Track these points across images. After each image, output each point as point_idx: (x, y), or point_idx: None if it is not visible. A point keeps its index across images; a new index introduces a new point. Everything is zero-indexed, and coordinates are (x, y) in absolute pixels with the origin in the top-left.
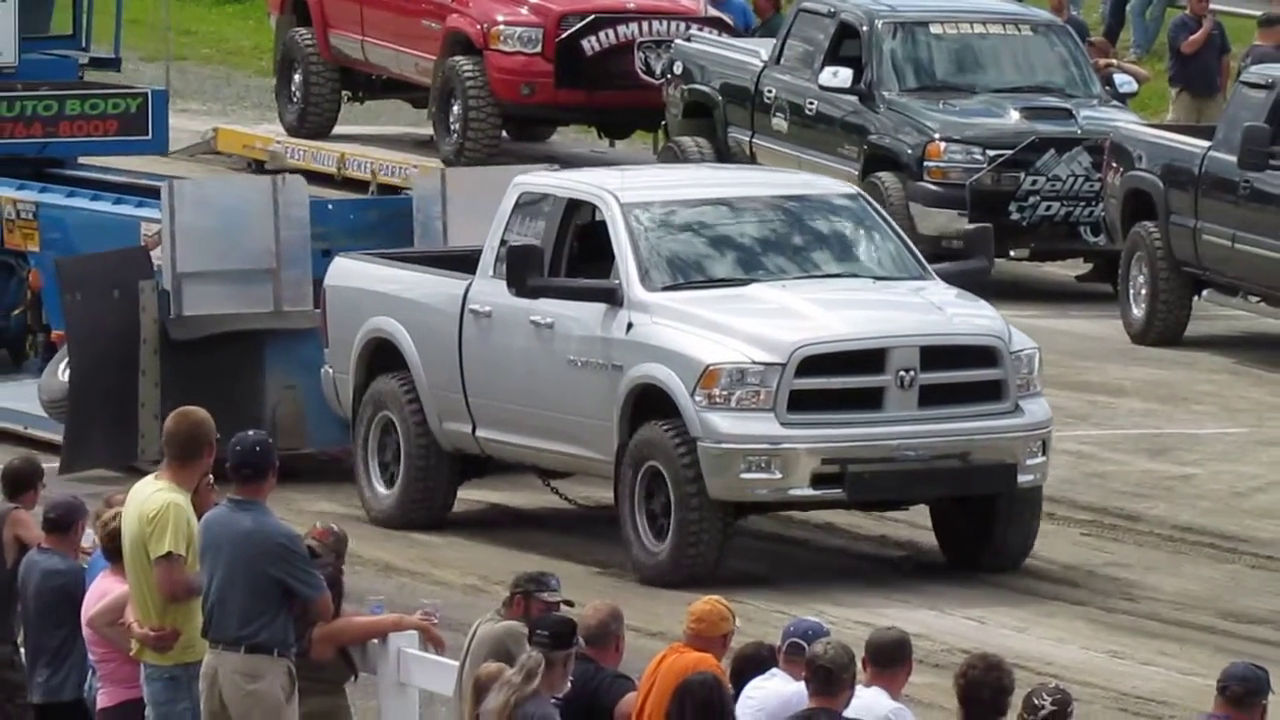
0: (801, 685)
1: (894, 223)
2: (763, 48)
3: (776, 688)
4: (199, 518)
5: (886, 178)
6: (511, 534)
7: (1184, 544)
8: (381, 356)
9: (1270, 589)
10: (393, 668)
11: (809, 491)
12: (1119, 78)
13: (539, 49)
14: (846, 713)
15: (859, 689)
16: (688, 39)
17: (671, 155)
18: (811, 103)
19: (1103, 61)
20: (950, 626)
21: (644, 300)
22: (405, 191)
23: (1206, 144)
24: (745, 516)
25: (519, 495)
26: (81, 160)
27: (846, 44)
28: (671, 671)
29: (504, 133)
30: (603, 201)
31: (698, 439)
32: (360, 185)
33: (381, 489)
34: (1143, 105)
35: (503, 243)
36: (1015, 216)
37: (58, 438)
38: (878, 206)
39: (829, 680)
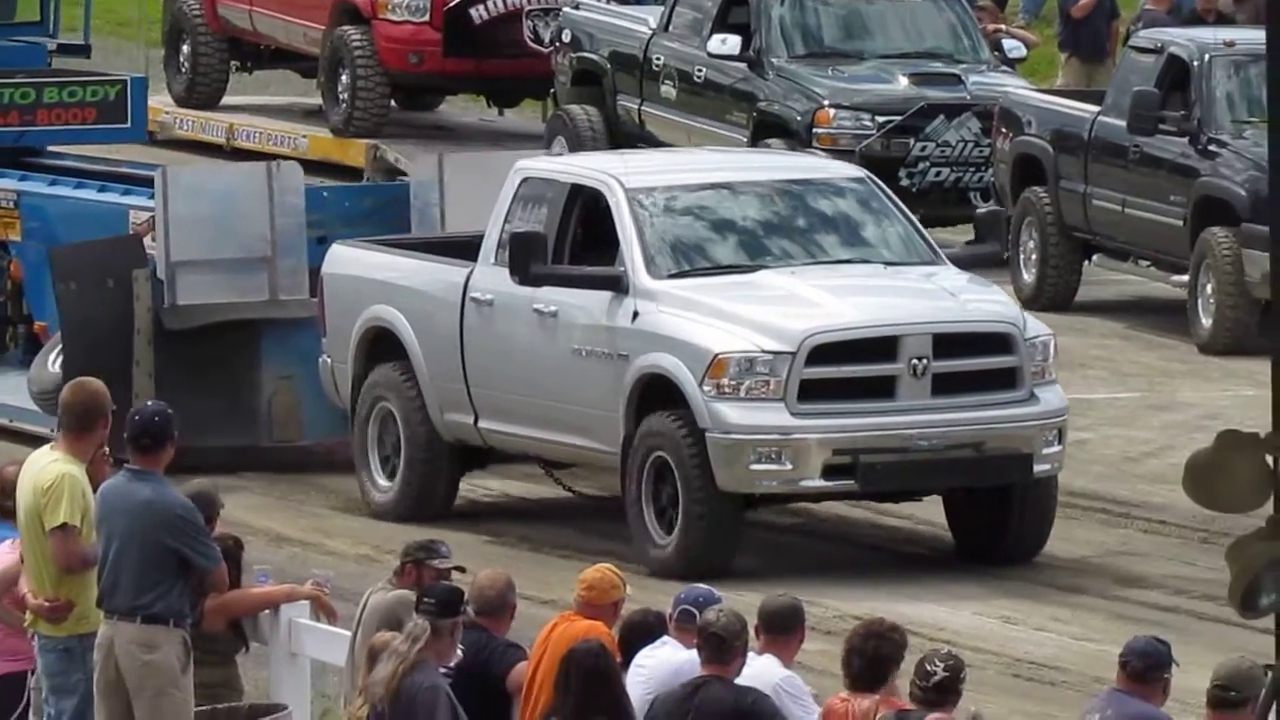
0: (693, 653)
1: (903, 205)
2: (651, 15)
3: (667, 656)
4: (95, 488)
5: (775, 144)
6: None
7: (1076, 509)
8: (381, 346)
9: (1162, 554)
10: (284, 638)
11: (820, 483)
12: (1008, 43)
13: (427, 18)
14: (738, 681)
15: (751, 657)
16: (576, 6)
17: (560, 124)
18: (700, 70)
19: (991, 27)
20: (842, 592)
21: (650, 288)
22: (401, 178)
23: (1096, 109)
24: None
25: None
26: (51, 148)
27: (735, 11)
28: (562, 640)
29: (393, 102)
30: (607, 187)
31: (706, 430)
32: (250, 155)
33: (382, 481)
34: (1032, 70)
35: (504, 230)
36: (905, 182)
37: (44, 430)
38: (886, 189)
39: (720, 648)
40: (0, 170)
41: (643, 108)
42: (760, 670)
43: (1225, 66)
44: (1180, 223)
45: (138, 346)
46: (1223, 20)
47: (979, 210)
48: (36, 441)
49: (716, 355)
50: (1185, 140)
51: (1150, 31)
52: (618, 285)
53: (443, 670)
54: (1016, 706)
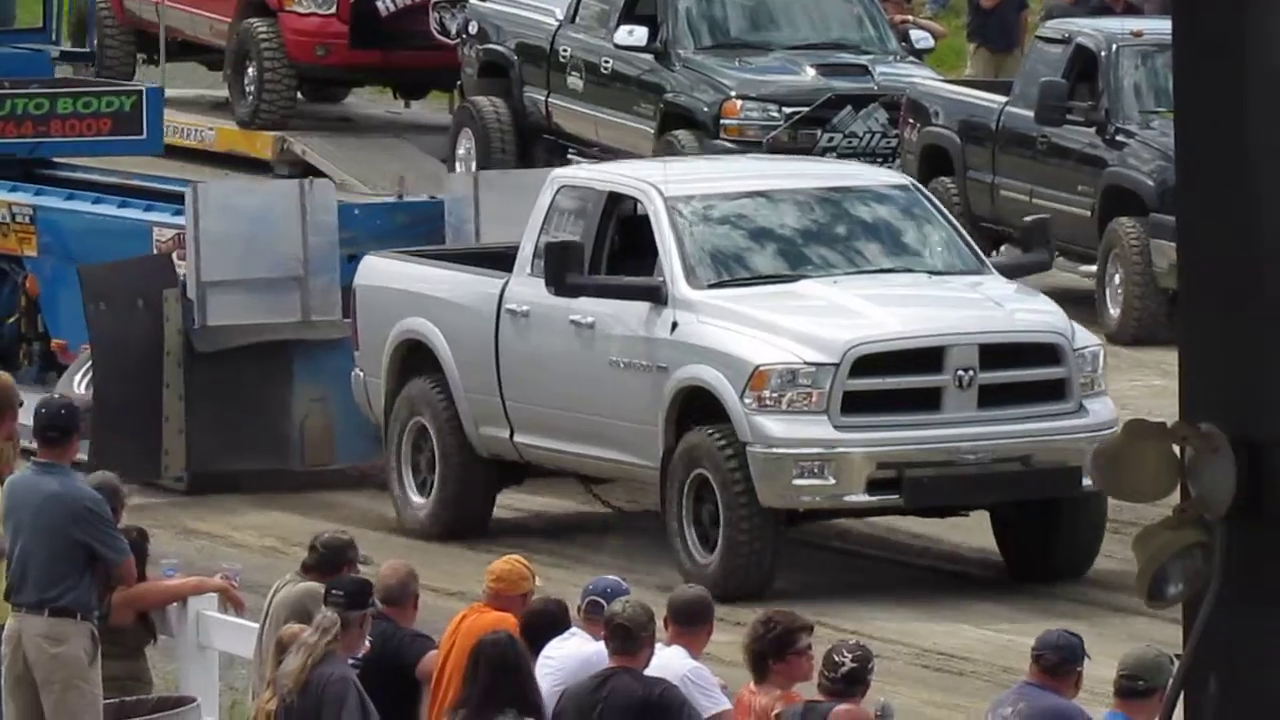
0: (601, 645)
1: (948, 213)
2: (558, 6)
3: (575, 648)
4: (1, 481)
5: (683, 136)
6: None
7: None
8: (414, 359)
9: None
10: (192, 631)
11: (865, 498)
12: (915, 33)
13: (333, 10)
14: (647, 672)
15: (660, 648)
16: None
17: (467, 116)
18: (607, 61)
19: (899, 17)
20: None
21: (689, 298)
22: (434, 196)
23: (1004, 100)
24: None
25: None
26: (57, 160)
27: (642, 2)
28: (471, 631)
29: (300, 94)
30: (645, 195)
31: (747, 444)
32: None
33: (416, 498)
34: (939, 61)
35: (540, 239)
36: None
37: None
38: (930, 196)
39: (628, 639)
40: (16, 184)
41: (550, 100)
42: (668, 661)
43: (1133, 57)
44: (1088, 213)
45: (167, 368)
46: (1130, 10)
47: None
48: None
49: (758, 367)
50: (1093, 130)
51: (1058, 21)
52: (656, 296)
53: (351, 661)
54: (925, 697)
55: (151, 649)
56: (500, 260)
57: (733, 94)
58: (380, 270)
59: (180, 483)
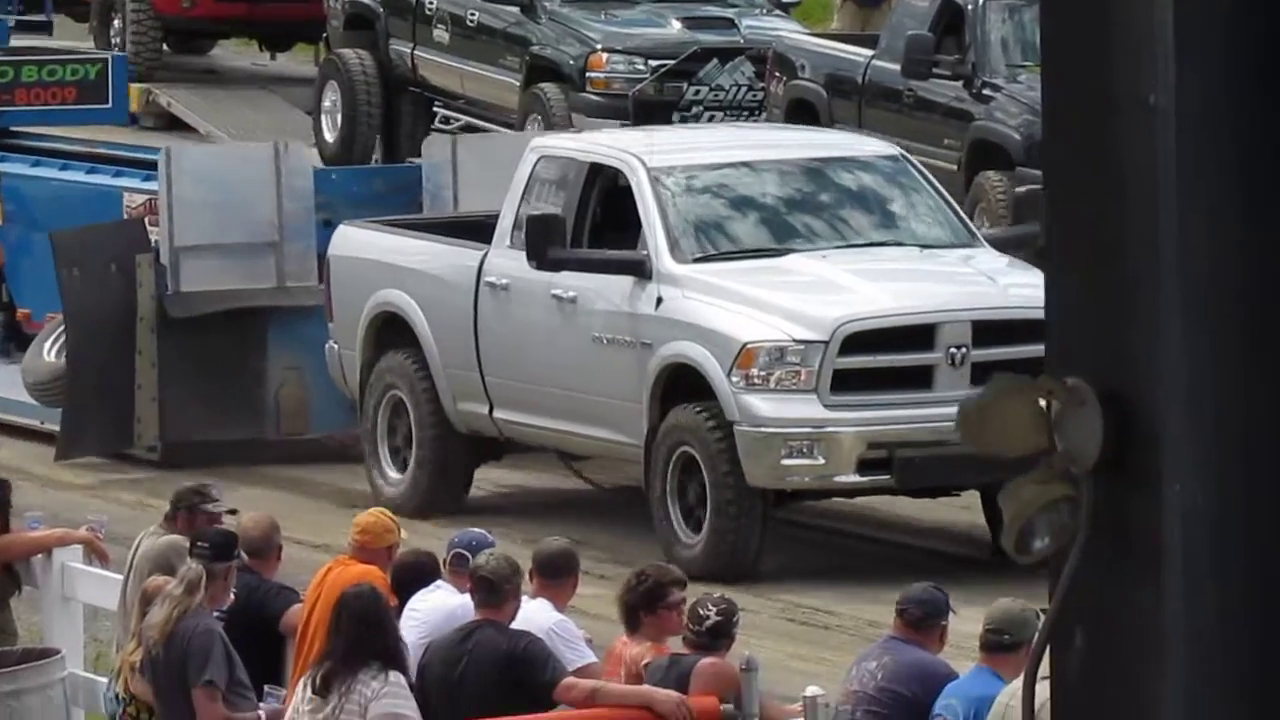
0: (466, 598)
1: (939, 185)
2: None
3: (440, 600)
4: None
5: (549, 89)
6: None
7: None
8: (390, 331)
9: (938, 501)
10: (57, 582)
11: (854, 478)
12: None
13: None
14: (513, 625)
15: (525, 600)
16: None
17: (333, 68)
18: (473, 14)
19: None
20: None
21: (674, 273)
22: (412, 160)
23: (870, 53)
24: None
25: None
26: (16, 130)
27: None
28: (336, 584)
29: (165, 46)
30: (628, 166)
31: (734, 422)
32: None
33: (393, 473)
34: (806, 15)
35: (520, 211)
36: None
37: (33, 423)
38: (921, 167)
39: (492, 591)
40: None
41: (415, 52)
42: (533, 614)
43: (999, 10)
44: (954, 167)
45: (140, 334)
46: None
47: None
48: (24, 435)
49: (745, 344)
50: (959, 84)
51: None
52: (640, 270)
53: (216, 614)
54: (791, 650)
55: (16, 601)
56: (476, 230)
57: (598, 47)
58: (355, 240)
59: (153, 452)
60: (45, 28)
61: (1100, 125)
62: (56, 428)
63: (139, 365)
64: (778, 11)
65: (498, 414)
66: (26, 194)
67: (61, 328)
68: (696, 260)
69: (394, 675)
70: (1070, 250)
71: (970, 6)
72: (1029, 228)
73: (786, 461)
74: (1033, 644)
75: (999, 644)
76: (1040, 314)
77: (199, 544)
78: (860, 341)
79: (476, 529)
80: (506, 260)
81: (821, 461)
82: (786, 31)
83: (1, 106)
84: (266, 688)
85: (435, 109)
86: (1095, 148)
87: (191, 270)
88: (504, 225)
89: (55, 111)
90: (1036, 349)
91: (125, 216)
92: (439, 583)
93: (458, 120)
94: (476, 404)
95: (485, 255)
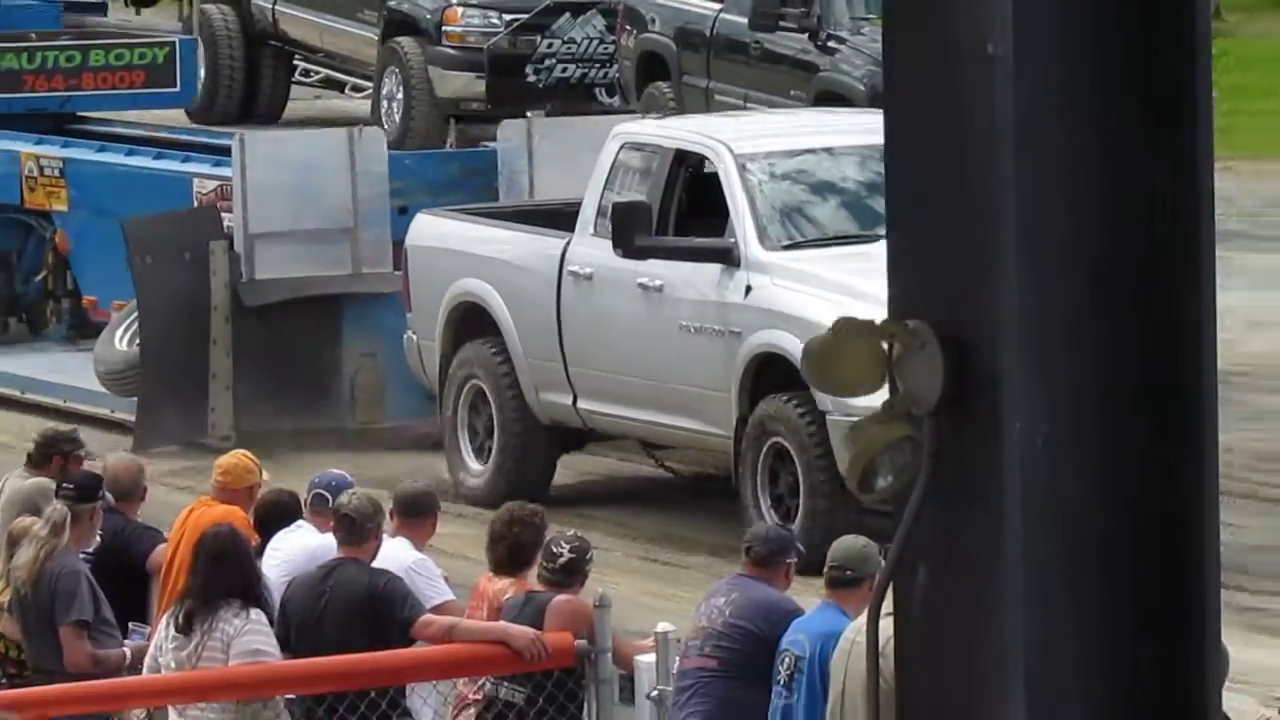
0: (328, 537)
1: None
2: None
3: (301, 539)
4: None
5: (406, 42)
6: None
7: None
8: (470, 321)
9: None
10: None
11: None
12: None
13: None
14: (374, 564)
15: (385, 539)
16: None
17: (201, 25)
18: None
19: None
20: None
21: (763, 260)
22: (486, 144)
23: (718, 7)
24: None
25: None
26: (83, 115)
27: None
28: (198, 524)
29: None
30: (714, 153)
31: (826, 412)
32: None
33: (474, 464)
34: None
35: (604, 198)
36: (531, 79)
37: (102, 411)
38: None
39: (353, 529)
40: (42, 136)
41: (276, 8)
42: (393, 553)
43: None
44: None
45: (215, 323)
46: None
47: None
48: (91, 422)
49: None
50: (805, 37)
51: None
52: (728, 257)
53: (82, 554)
54: (643, 587)
55: None
56: (554, 218)
57: (454, 1)
58: (433, 230)
59: (228, 441)
60: (99, 9)
61: (939, 74)
62: (127, 416)
63: (213, 354)
64: None
65: (582, 404)
66: (92, 180)
67: (133, 315)
68: (785, 247)
69: (255, 612)
70: (910, 197)
71: None
72: None
73: None
74: (877, 578)
75: (842, 579)
76: None
77: (64, 486)
78: None
79: (336, 470)
80: (590, 249)
81: None
82: None
83: (69, 91)
84: (131, 625)
85: (295, 62)
86: (934, 97)
87: (266, 257)
88: (586, 213)
89: (123, 95)
90: None
91: (195, 203)
92: (300, 522)
93: (317, 73)
94: (560, 394)
95: (568, 244)
